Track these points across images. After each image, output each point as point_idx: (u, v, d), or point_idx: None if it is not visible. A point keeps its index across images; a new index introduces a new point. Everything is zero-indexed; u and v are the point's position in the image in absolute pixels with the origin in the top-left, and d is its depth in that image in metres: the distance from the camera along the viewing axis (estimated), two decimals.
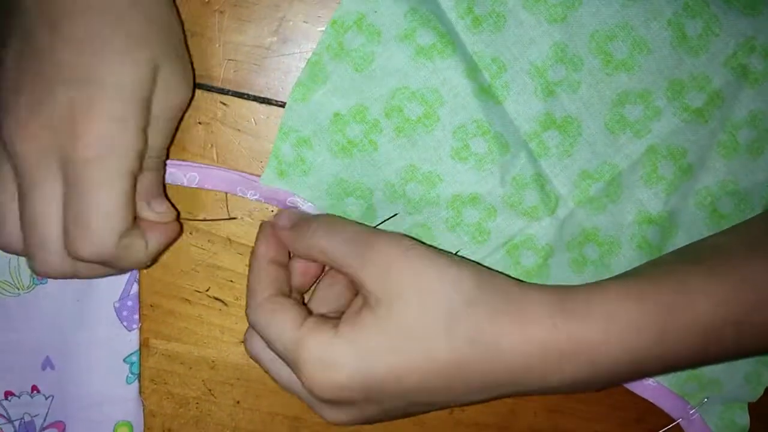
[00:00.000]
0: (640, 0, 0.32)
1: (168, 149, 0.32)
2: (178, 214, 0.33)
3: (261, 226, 0.33)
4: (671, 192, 0.35)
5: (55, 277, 0.29)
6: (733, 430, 0.39)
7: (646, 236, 0.35)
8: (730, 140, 0.34)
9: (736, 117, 0.34)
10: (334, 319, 0.29)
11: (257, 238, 0.33)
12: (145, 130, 0.28)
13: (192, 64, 0.32)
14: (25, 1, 0.27)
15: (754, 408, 0.39)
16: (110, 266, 0.29)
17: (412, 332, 0.27)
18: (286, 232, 0.32)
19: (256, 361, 0.32)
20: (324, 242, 0.30)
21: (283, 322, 0.29)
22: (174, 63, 0.29)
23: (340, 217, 0.33)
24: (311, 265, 0.33)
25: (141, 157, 0.28)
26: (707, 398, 0.38)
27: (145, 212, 0.31)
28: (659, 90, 0.33)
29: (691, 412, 0.38)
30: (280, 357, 0.30)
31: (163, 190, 0.32)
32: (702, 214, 0.35)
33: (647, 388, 0.38)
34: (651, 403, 0.38)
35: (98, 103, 0.26)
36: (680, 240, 0.36)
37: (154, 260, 0.32)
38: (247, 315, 0.31)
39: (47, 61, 0.26)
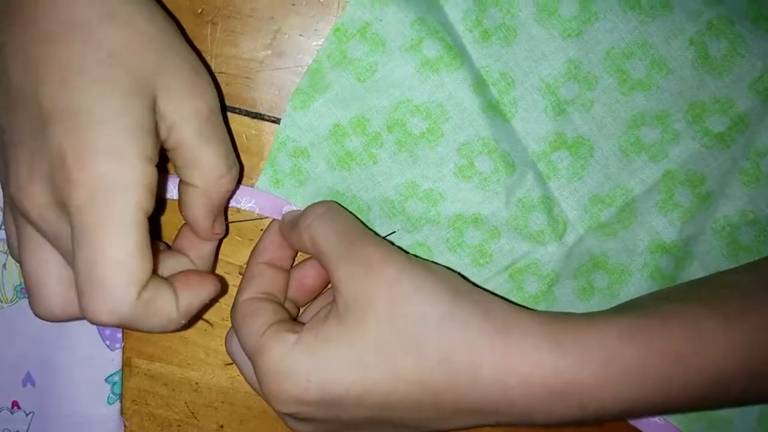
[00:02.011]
0: (660, 17, 0.30)
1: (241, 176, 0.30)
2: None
3: (267, 226, 0.32)
4: (687, 220, 0.33)
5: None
6: None
7: (659, 265, 0.33)
8: (753, 168, 0.32)
9: (760, 143, 0.32)
10: (302, 325, 0.27)
11: (261, 238, 0.32)
12: (150, 158, 0.24)
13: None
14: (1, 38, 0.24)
15: None
16: (137, 329, 0.25)
17: (377, 346, 0.25)
18: (287, 224, 0.30)
19: (232, 359, 0.31)
20: (316, 229, 0.28)
21: (251, 326, 0.27)
22: (177, 72, 0.26)
23: (342, 208, 0.30)
24: (308, 276, 0.32)
25: (152, 191, 0.24)
26: None
27: (209, 234, 0.29)
28: (678, 112, 0.31)
29: None
30: (249, 359, 0.28)
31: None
32: (720, 245, 0.33)
33: (653, 426, 0.36)
34: None
35: (85, 138, 0.23)
36: (695, 271, 0.34)
37: (194, 320, 0.29)
38: None
39: (32, 103, 0.23)
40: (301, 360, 0.25)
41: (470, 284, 0.28)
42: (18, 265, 0.33)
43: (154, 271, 0.25)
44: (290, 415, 0.27)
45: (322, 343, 0.26)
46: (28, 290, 0.27)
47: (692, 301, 0.28)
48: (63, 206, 0.23)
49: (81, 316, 0.25)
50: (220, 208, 0.29)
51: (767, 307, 0.27)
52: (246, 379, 0.30)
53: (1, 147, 0.25)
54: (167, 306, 0.25)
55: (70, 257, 0.24)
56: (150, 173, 0.24)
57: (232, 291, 0.34)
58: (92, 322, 0.24)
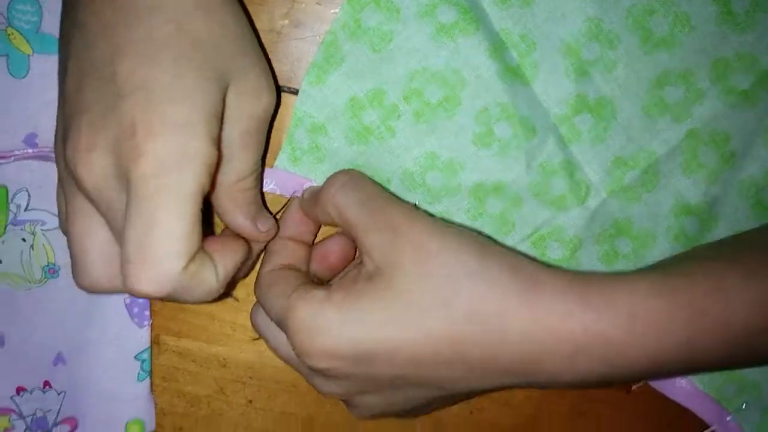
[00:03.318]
0: None
1: (264, 161, 0.30)
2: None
3: (288, 202, 0.32)
4: (712, 181, 0.32)
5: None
6: None
7: (684, 228, 0.33)
8: None
9: None
10: (329, 286, 0.28)
11: (283, 214, 0.32)
12: (216, 141, 0.24)
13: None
14: (80, 14, 0.25)
15: None
16: (177, 300, 0.25)
17: (407, 303, 0.26)
18: (308, 199, 0.31)
19: (259, 333, 0.31)
20: (340, 199, 0.28)
21: (277, 292, 0.28)
22: (249, 70, 0.26)
23: (363, 175, 0.31)
24: (331, 252, 0.32)
25: (211, 172, 0.24)
26: (745, 404, 0.36)
27: (253, 232, 0.29)
28: (702, 70, 0.31)
29: (728, 419, 0.36)
30: (278, 325, 0.28)
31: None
32: (745, 205, 0.33)
33: (680, 391, 0.36)
34: (682, 407, 0.36)
35: (160, 111, 0.23)
36: (721, 232, 0.33)
37: (229, 289, 0.30)
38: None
39: (107, 75, 0.24)
40: (332, 316, 0.26)
41: (497, 243, 0.28)
42: (45, 246, 0.34)
43: None
44: (322, 372, 0.27)
45: (352, 300, 0.26)
46: (72, 261, 0.27)
47: (715, 259, 0.29)
48: (121, 176, 0.24)
49: (119, 290, 0.26)
50: (251, 205, 0.29)
51: None
52: (273, 351, 0.31)
53: (61, 117, 0.26)
54: (210, 277, 0.26)
55: (118, 228, 0.24)
56: (214, 154, 0.24)
57: (257, 267, 0.34)
58: (133, 292, 0.24)
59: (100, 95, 0.24)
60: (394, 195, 0.30)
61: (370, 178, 0.30)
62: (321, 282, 0.33)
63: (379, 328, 0.25)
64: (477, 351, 0.26)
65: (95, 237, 0.26)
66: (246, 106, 0.26)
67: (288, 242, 0.31)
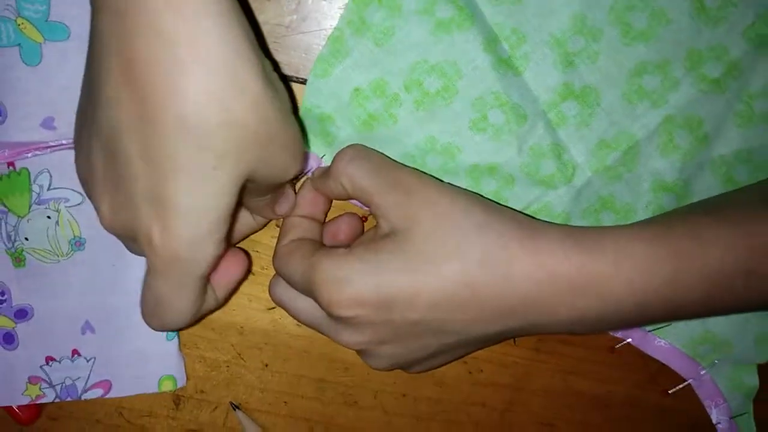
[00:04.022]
0: None
1: None
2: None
3: (302, 183, 0.35)
4: (687, 161, 0.35)
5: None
6: (743, 390, 0.40)
7: (661, 203, 0.36)
8: (747, 110, 0.34)
9: (752, 87, 0.34)
10: (347, 247, 0.31)
11: (297, 195, 0.34)
12: (222, 240, 0.27)
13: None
14: (110, 108, 0.24)
15: (763, 369, 0.40)
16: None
17: (424, 253, 0.29)
18: (319, 177, 0.33)
19: (278, 303, 0.34)
20: (352, 169, 0.31)
21: (298, 257, 0.31)
22: (278, 158, 0.26)
23: (364, 147, 0.33)
24: (341, 230, 0.35)
25: (217, 258, 0.27)
26: (717, 360, 0.39)
27: (271, 215, 0.33)
28: (677, 60, 0.34)
29: (702, 372, 0.40)
30: (301, 291, 0.31)
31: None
32: (717, 182, 0.36)
33: (659, 349, 0.40)
34: (662, 364, 0.40)
35: (170, 228, 0.25)
36: None
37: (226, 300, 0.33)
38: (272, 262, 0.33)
39: (129, 172, 0.25)
40: (356, 267, 0.29)
41: (498, 203, 0.32)
42: (70, 221, 0.36)
43: None
44: (346, 321, 0.30)
45: (373, 254, 0.29)
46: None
47: (694, 211, 0.32)
48: (134, 242, 0.27)
49: None
50: (271, 208, 0.33)
51: (761, 213, 0.30)
52: (295, 316, 0.33)
53: (87, 149, 0.27)
54: (210, 303, 0.31)
55: (138, 253, 0.29)
56: (219, 250, 0.27)
57: (268, 241, 0.37)
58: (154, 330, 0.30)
59: (120, 184, 0.25)
60: (400, 162, 0.33)
61: (370, 148, 0.33)
62: None
63: (401, 275, 0.29)
64: (487, 291, 0.29)
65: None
66: (273, 176, 0.27)
67: (302, 219, 0.34)
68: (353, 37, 0.33)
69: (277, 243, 0.34)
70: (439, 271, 0.29)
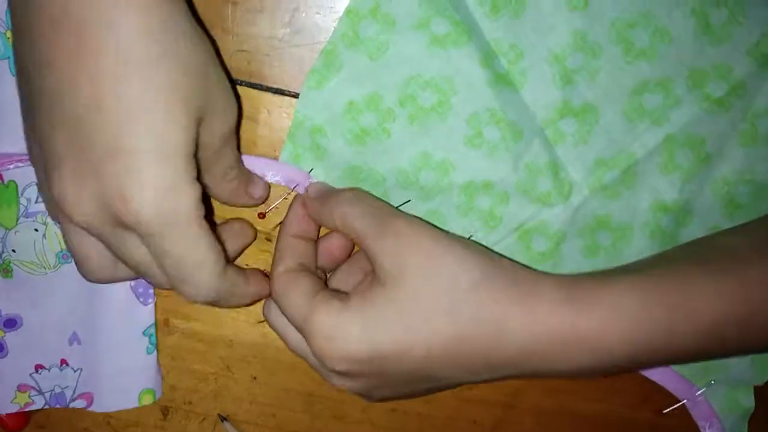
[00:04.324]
0: None
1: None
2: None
3: (293, 200, 0.34)
4: (687, 180, 0.35)
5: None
6: (738, 411, 0.39)
7: (659, 224, 0.35)
8: (750, 130, 0.33)
9: (757, 106, 0.33)
10: (345, 293, 0.30)
11: (287, 212, 0.34)
12: (197, 179, 0.26)
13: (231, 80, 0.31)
14: (45, 55, 0.24)
15: (760, 391, 0.39)
16: (223, 306, 0.31)
17: (417, 307, 0.28)
18: (315, 201, 0.33)
19: (272, 327, 0.33)
20: (346, 210, 0.31)
21: (296, 295, 0.30)
22: (217, 97, 0.27)
23: (366, 192, 0.33)
24: (335, 246, 0.34)
25: (200, 199, 0.27)
26: (713, 380, 0.39)
27: (248, 201, 0.33)
28: (680, 79, 0.33)
29: (697, 393, 0.39)
30: (294, 326, 0.31)
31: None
32: (717, 204, 0.35)
33: (655, 370, 0.39)
34: (657, 384, 0.39)
35: (143, 176, 0.24)
36: (694, 228, 0.36)
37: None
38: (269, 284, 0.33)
39: (81, 132, 0.24)
40: (352, 323, 0.28)
41: (497, 254, 0.31)
42: (57, 234, 0.36)
43: None
44: (340, 373, 0.30)
45: (368, 306, 0.29)
46: (77, 264, 0.30)
47: (685, 261, 0.32)
48: (112, 217, 0.25)
49: (128, 279, 0.31)
50: (239, 187, 0.32)
51: (754, 263, 0.30)
52: (286, 343, 0.33)
53: (38, 151, 0.27)
54: (242, 286, 0.31)
55: (113, 249, 0.27)
56: (198, 190, 0.26)
57: (260, 256, 0.37)
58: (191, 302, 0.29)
59: (78, 150, 0.25)
60: (396, 209, 0.33)
61: (372, 195, 0.33)
62: (325, 274, 0.35)
63: (393, 330, 0.28)
64: (480, 349, 0.29)
65: (92, 248, 0.29)
66: (218, 130, 0.28)
67: (297, 241, 0.33)
68: (347, 51, 0.32)
69: (273, 265, 0.33)
70: (431, 327, 0.28)
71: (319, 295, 0.30)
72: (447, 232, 0.31)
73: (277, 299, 0.32)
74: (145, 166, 0.24)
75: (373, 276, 0.30)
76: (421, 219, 0.31)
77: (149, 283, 0.37)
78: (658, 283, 0.30)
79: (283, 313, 0.31)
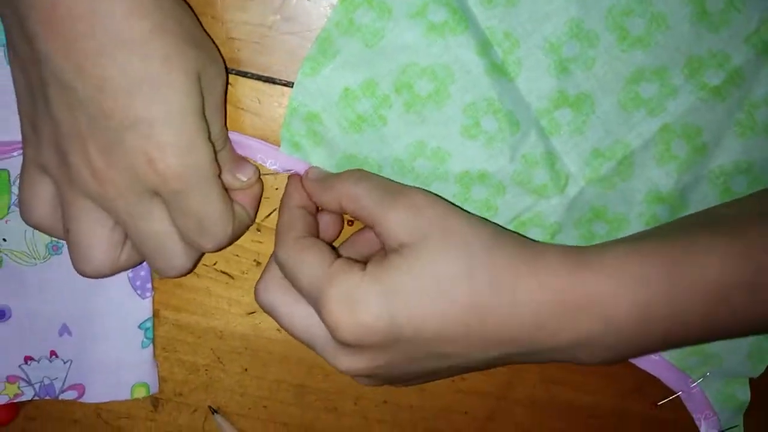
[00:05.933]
0: None
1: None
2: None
3: (290, 177, 0.34)
4: (684, 171, 0.34)
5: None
6: (734, 404, 0.39)
7: (655, 214, 0.35)
8: (748, 119, 0.33)
9: (754, 95, 0.33)
10: (362, 263, 0.30)
11: (287, 188, 0.34)
12: (208, 139, 0.29)
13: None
14: (43, 47, 0.26)
15: (755, 384, 0.39)
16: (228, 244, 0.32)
17: (436, 275, 0.28)
18: (314, 184, 0.33)
19: (270, 308, 0.32)
20: (354, 189, 0.31)
21: (313, 260, 0.30)
22: (210, 57, 0.29)
23: (367, 171, 0.33)
24: (338, 218, 0.34)
25: (215, 157, 0.29)
26: (709, 372, 0.39)
27: (234, 183, 0.33)
28: (676, 67, 0.32)
29: (692, 385, 0.39)
30: (305, 295, 0.30)
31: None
32: (714, 193, 0.35)
33: (648, 360, 0.39)
34: (650, 374, 0.39)
35: (163, 139, 0.27)
36: None
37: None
38: (275, 255, 0.32)
39: (96, 111, 0.26)
40: (371, 289, 0.28)
41: (500, 226, 0.32)
42: None
43: None
44: (350, 346, 0.29)
45: (387, 275, 0.28)
46: (74, 252, 0.30)
47: (688, 224, 0.32)
48: (137, 186, 0.28)
49: (124, 270, 0.32)
50: (225, 163, 0.32)
51: (757, 225, 0.30)
52: (287, 325, 0.32)
53: (51, 131, 0.28)
54: (246, 219, 0.33)
55: (133, 222, 0.29)
56: (210, 148, 0.29)
57: (249, 245, 0.36)
58: (200, 251, 0.32)
59: (97, 126, 0.27)
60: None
61: (376, 174, 0.33)
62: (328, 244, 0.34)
63: (413, 300, 0.28)
64: (493, 317, 0.28)
65: (100, 233, 0.30)
66: (213, 86, 0.29)
67: (301, 211, 0.33)
68: (342, 38, 0.31)
69: (282, 233, 0.32)
70: (450, 294, 0.28)
71: (338, 261, 0.29)
72: (455, 205, 0.31)
73: (289, 267, 0.31)
74: (162, 130, 0.27)
75: (384, 251, 0.30)
76: (430, 192, 0.31)
77: (145, 275, 0.37)
78: (661, 243, 0.30)
79: (291, 280, 0.31)
